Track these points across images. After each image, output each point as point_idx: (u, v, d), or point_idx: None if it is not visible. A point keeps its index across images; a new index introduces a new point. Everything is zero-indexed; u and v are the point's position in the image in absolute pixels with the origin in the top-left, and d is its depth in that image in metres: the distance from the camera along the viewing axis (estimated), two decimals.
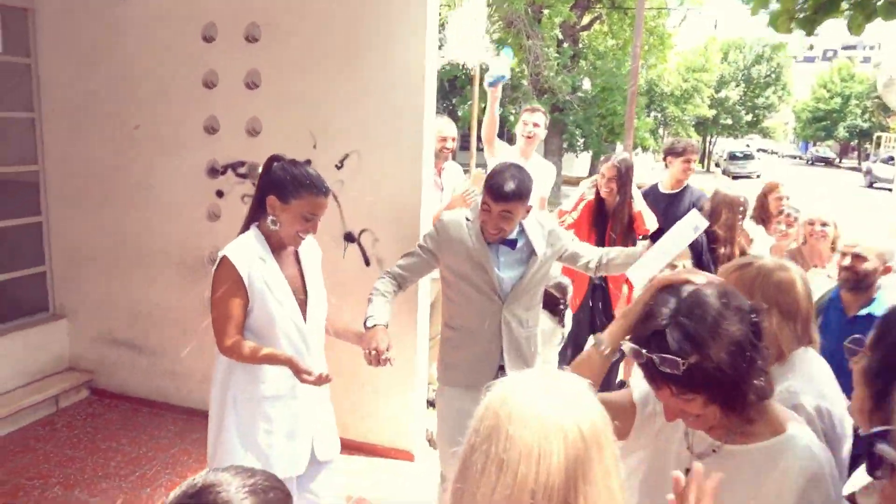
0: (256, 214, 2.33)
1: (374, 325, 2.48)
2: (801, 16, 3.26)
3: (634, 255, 2.66)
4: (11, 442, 3.84)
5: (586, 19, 18.98)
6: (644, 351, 1.29)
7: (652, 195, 4.51)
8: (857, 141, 41.33)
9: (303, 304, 2.35)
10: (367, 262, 3.69)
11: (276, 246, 2.32)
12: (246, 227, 2.34)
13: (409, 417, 3.81)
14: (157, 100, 3.99)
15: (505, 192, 2.48)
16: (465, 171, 4.82)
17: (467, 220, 2.68)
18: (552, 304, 3.85)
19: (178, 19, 3.86)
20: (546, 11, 16.99)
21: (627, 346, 1.35)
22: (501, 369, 2.67)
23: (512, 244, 2.65)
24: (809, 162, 45.21)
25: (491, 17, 18.31)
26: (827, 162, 43.76)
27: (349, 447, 3.91)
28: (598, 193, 4.17)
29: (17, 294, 4.33)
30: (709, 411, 1.30)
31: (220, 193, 3.95)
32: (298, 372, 2.19)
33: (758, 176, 28.58)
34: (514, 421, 0.97)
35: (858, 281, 2.91)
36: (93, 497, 3.36)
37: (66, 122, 4.23)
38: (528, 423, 0.97)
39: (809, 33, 3.35)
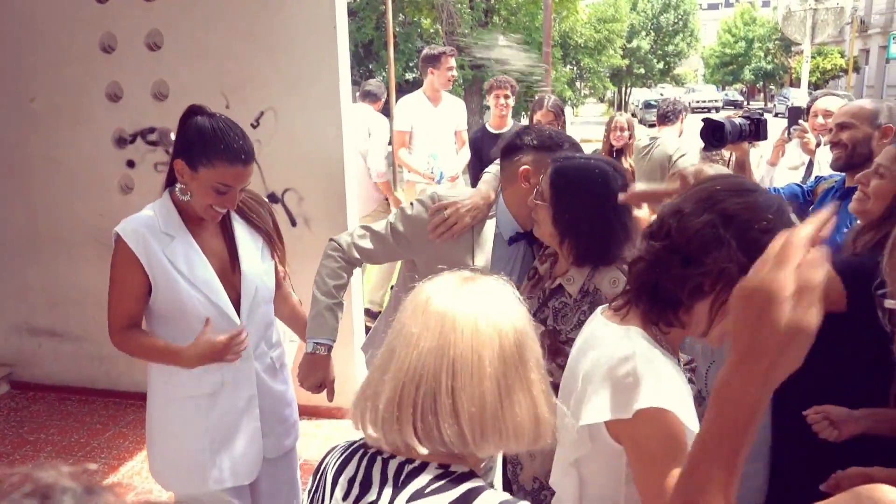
0: (170, 181, 1.94)
1: (320, 353, 2.03)
2: None
3: None
4: None
5: None
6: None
7: (482, 136, 4.70)
8: (762, 83, 42.99)
9: (234, 285, 1.97)
10: (294, 223, 3.59)
11: (194, 216, 1.91)
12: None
13: None
14: (52, 68, 3.74)
15: None
16: None
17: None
18: None
19: None
20: None
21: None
22: None
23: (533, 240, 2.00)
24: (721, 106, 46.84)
25: None
26: (736, 105, 45.37)
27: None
28: None
29: None
30: None
31: (131, 163, 3.76)
32: (215, 353, 1.82)
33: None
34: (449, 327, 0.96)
35: (851, 156, 2.30)
36: None
37: None
38: (464, 332, 0.95)
39: None
